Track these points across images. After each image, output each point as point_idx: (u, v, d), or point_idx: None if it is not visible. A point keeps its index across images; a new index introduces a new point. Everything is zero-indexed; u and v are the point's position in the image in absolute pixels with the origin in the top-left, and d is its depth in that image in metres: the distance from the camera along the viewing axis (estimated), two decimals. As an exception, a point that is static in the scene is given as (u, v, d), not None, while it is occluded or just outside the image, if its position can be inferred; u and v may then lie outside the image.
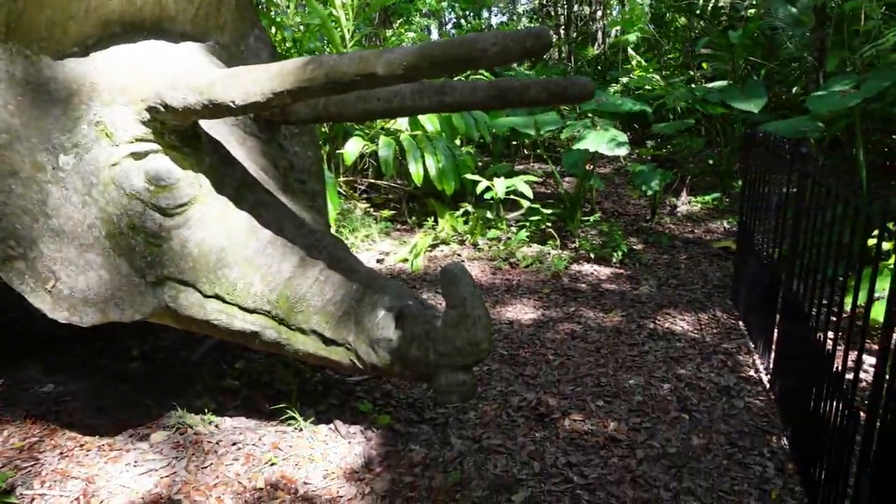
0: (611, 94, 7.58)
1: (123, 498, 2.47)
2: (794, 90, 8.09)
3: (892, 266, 3.47)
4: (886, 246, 3.65)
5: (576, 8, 15.25)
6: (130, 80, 2.37)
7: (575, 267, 5.32)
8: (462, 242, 5.90)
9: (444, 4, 13.02)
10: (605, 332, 4.08)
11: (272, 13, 7.37)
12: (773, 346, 3.41)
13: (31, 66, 2.40)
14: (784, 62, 8.01)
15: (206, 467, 2.66)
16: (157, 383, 3.26)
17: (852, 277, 2.98)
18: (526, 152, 9.59)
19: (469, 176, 6.08)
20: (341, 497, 2.52)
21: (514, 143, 9.29)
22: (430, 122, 6.15)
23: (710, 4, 9.60)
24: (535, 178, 6.36)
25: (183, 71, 2.29)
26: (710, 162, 8.00)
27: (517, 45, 1.87)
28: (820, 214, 2.64)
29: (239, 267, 2.50)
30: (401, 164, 6.44)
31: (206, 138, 2.60)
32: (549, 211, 6.05)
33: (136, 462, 2.67)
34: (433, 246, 5.80)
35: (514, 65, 12.09)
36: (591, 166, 6.48)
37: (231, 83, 2.18)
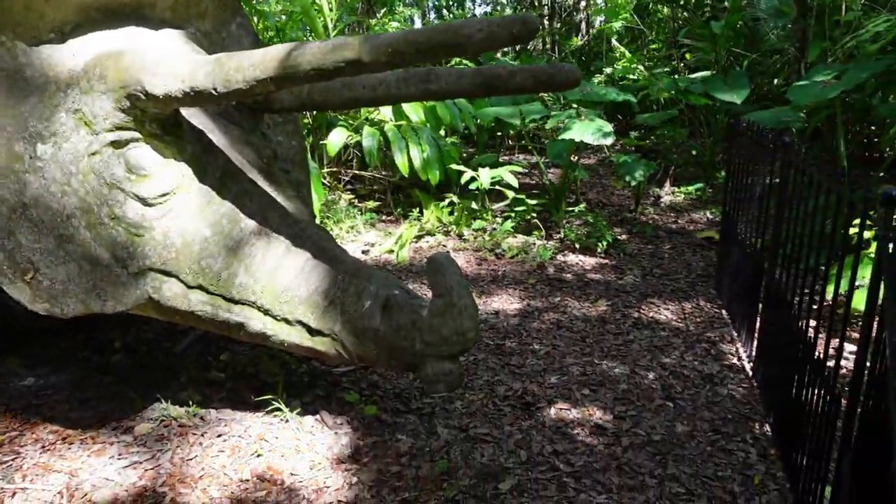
0: (595, 84, 7.59)
1: (107, 491, 2.44)
2: (775, 81, 8.16)
3: (873, 255, 3.52)
4: (868, 234, 3.70)
5: (559, -2, 15.22)
6: (109, 68, 2.32)
7: (560, 257, 5.33)
8: (447, 233, 5.89)
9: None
10: (591, 322, 4.10)
11: (254, 1, 7.27)
12: (756, 335, 3.45)
13: (6, 53, 2.35)
14: (766, 53, 8.07)
15: (191, 459, 2.64)
16: (140, 376, 3.22)
17: (834, 266, 3.02)
18: (510, 143, 9.58)
19: (454, 166, 6.06)
20: (328, 487, 2.51)
21: (499, 133, 9.27)
22: (414, 112, 6.11)
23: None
24: (520, 169, 6.36)
25: (163, 58, 2.25)
26: (694, 152, 8.06)
27: (504, 32, 1.85)
28: (802, 204, 2.67)
29: (223, 257, 2.47)
30: (385, 154, 6.40)
31: (188, 127, 2.56)
32: (534, 201, 6.05)
33: (119, 455, 2.64)
34: (418, 237, 5.78)
35: (499, 55, 12.06)
36: (576, 157, 6.49)
37: (213, 70, 2.14)
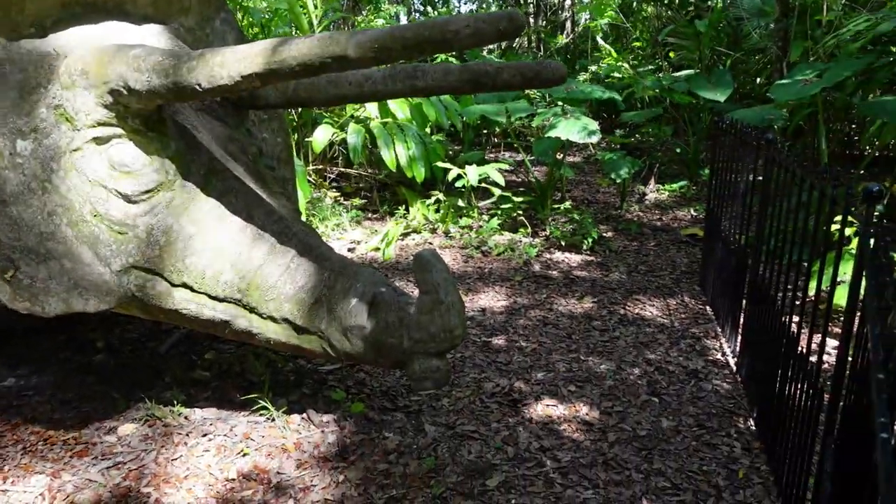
0: (580, 82, 7.61)
1: (90, 492, 2.42)
2: (758, 80, 8.25)
3: (854, 251, 3.56)
4: (849, 231, 3.75)
5: (545, -4, 15.26)
6: (91, 63, 2.29)
7: (546, 254, 5.35)
8: (434, 231, 5.89)
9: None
10: (577, 319, 4.12)
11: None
12: (740, 330, 3.48)
13: (-16, 48, 2.31)
14: (749, 52, 8.15)
15: (176, 459, 2.61)
16: (123, 376, 3.19)
17: (816, 262, 3.06)
18: (496, 140, 9.59)
19: (440, 164, 6.06)
20: (315, 486, 2.50)
21: (485, 131, 9.28)
22: (400, 109, 6.09)
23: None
24: (506, 167, 6.37)
25: (146, 53, 2.22)
26: (678, 150, 8.12)
27: (490, 28, 1.85)
28: (785, 200, 2.70)
29: (207, 255, 2.44)
30: (371, 152, 6.38)
31: (172, 123, 2.53)
32: (520, 199, 6.07)
33: (103, 455, 2.61)
34: (405, 234, 5.78)
35: (484, 52, 12.07)
36: (562, 155, 6.52)
37: (197, 65, 2.12)
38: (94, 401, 2.97)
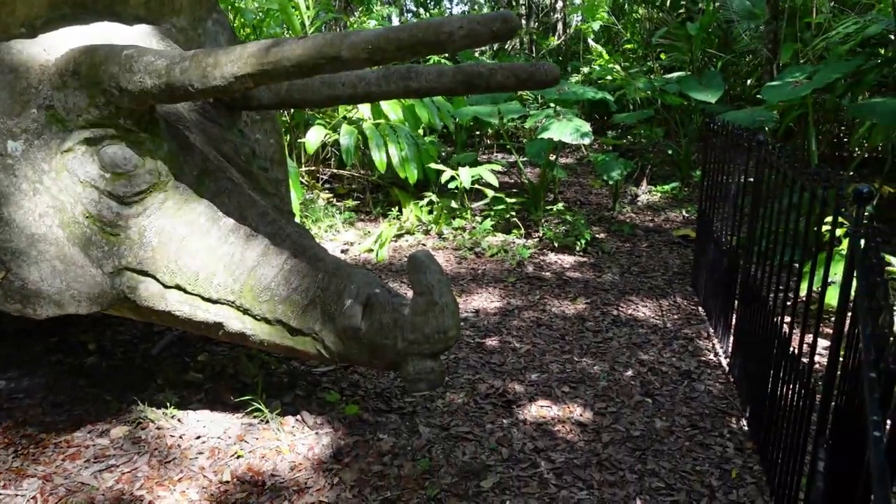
0: (573, 83, 7.64)
1: (83, 495, 2.40)
2: (749, 81, 8.30)
3: (844, 252, 3.59)
4: (840, 231, 3.78)
5: (536, -2, 15.30)
6: (83, 63, 2.27)
7: (539, 256, 5.36)
8: (427, 232, 5.89)
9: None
10: (570, 320, 4.13)
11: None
12: (732, 331, 3.50)
13: (-26, 48, 2.29)
14: (739, 54, 8.20)
15: (169, 462, 2.60)
16: (116, 378, 3.17)
17: (808, 263, 3.08)
18: (489, 142, 9.60)
19: (433, 165, 6.06)
20: (309, 488, 2.49)
21: (478, 132, 9.29)
22: (392, 110, 6.09)
23: (669, -4, 9.75)
24: (499, 168, 6.38)
25: (138, 53, 2.21)
26: (670, 152, 8.16)
27: (484, 29, 1.86)
28: (777, 201, 2.72)
29: (200, 256, 2.43)
30: (364, 153, 6.37)
31: (164, 124, 2.52)
32: (513, 200, 6.08)
33: (95, 458, 2.60)
34: (398, 236, 5.77)
35: (476, 53, 12.08)
36: (555, 156, 6.53)
37: (190, 66, 2.11)
38: (87, 403, 2.95)
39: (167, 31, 2.77)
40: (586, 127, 5.69)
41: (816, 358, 3.41)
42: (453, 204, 6.12)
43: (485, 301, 4.41)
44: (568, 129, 5.62)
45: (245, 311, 2.47)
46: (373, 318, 2.40)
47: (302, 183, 6.09)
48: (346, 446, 2.74)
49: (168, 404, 2.92)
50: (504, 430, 2.91)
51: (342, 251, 5.41)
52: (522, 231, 5.85)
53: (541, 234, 5.76)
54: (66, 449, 2.65)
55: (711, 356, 3.65)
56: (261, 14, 6.96)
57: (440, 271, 2.36)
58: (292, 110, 6.27)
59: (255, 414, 2.88)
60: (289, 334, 2.50)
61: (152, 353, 3.43)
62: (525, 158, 7.24)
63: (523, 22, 15.08)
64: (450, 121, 6.62)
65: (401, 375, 2.44)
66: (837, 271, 3.24)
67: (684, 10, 9.44)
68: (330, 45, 1.94)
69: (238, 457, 2.64)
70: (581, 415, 3.04)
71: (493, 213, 6.03)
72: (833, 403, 1.97)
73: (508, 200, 6.03)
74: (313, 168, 6.66)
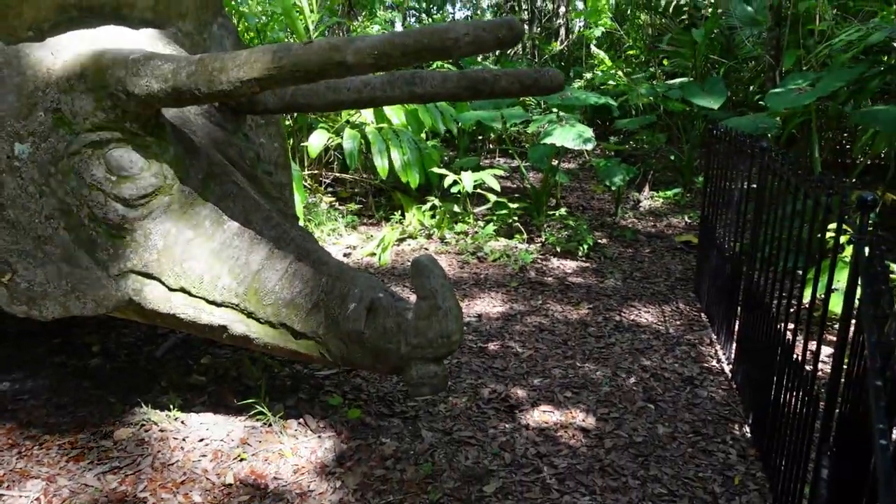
0: (575, 89, 7.66)
1: (86, 497, 2.40)
2: (751, 88, 8.31)
3: (847, 258, 3.59)
4: (843, 238, 3.78)
5: (539, 3, 15.35)
6: (90, 67, 2.29)
7: (541, 261, 5.37)
8: (429, 236, 5.90)
9: (410, -4, 12.94)
10: (572, 325, 4.13)
11: (234, 2, 7.22)
12: (735, 337, 3.50)
13: (-17, 51, 2.30)
14: (742, 60, 8.22)
15: (172, 464, 2.60)
16: (119, 380, 3.18)
17: (811, 269, 3.08)
18: (491, 146, 9.62)
19: (436, 169, 6.07)
20: (312, 491, 2.50)
21: (480, 137, 9.31)
22: (395, 115, 6.11)
23: (673, 3, 9.78)
24: (502, 172, 6.39)
25: (145, 57, 2.22)
26: (672, 157, 8.16)
27: (490, 36, 1.86)
28: (780, 208, 2.72)
29: (205, 259, 2.44)
30: (366, 157, 6.38)
31: (170, 127, 2.53)
32: (515, 205, 6.08)
33: (99, 460, 2.60)
34: (400, 240, 5.78)
35: (479, 59, 12.09)
36: (557, 161, 6.54)
37: (196, 70, 2.12)
38: (90, 405, 2.96)
39: (173, 35, 2.78)
40: (589, 132, 5.70)
41: (819, 365, 3.40)
42: (456, 208, 6.13)
43: (487, 306, 4.42)
44: (570, 135, 5.63)
45: (249, 315, 2.47)
46: (376, 323, 2.40)
47: (305, 186, 6.10)
48: (348, 450, 2.75)
49: (171, 407, 2.93)
50: (506, 434, 2.91)
51: (345, 255, 5.42)
52: (525, 236, 5.85)
53: (543, 239, 5.77)
54: (70, 450, 2.65)
55: (714, 362, 3.65)
56: (265, 16, 6.98)
57: (444, 276, 2.37)
58: (295, 114, 6.28)
59: (258, 417, 2.89)
60: (292, 338, 2.50)
61: (156, 356, 3.43)
62: (527, 163, 7.26)
63: (526, 27, 15.12)
64: (452, 125, 6.63)
65: (404, 380, 2.45)
66: (841, 278, 3.24)
67: (687, 16, 9.47)
68: (336, 51, 1.95)
69: (241, 460, 2.65)
70: (584, 420, 3.04)
71: (495, 217, 6.04)
72: (837, 411, 1.97)
73: (511, 205, 6.04)
74: (316, 172, 6.67)
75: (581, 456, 2.77)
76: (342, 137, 5.84)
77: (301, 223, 5.20)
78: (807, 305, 2.43)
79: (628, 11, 11.11)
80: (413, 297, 2.46)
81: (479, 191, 6.06)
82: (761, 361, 2.83)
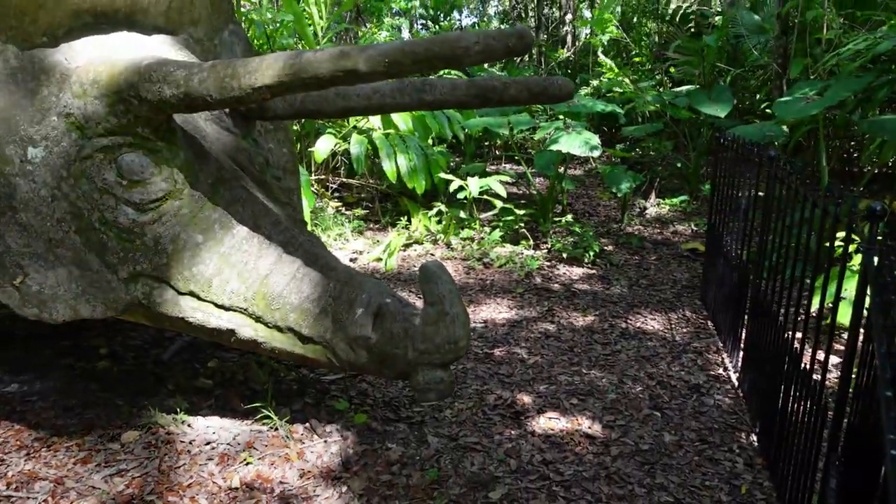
0: (582, 96, 7.67)
1: (94, 499, 2.41)
2: (758, 96, 8.31)
3: (856, 267, 3.58)
4: (851, 247, 3.77)
5: (546, 11, 15.39)
6: (103, 72, 2.31)
7: (548, 267, 5.37)
8: (435, 242, 5.90)
9: (416, 3, 12.98)
10: (578, 332, 4.13)
11: (244, 8, 7.27)
12: (742, 345, 3.49)
13: (-2, 56, 2.33)
14: (749, 69, 8.21)
15: (179, 467, 2.61)
16: (127, 383, 3.19)
17: (819, 278, 3.07)
18: (498, 153, 9.63)
19: (442, 175, 6.09)
20: (318, 496, 2.50)
21: (487, 143, 9.32)
22: (402, 120, 6.13)
23: (680, 12, 9.79)
24: (508, 179, 6.40)
25: (158, 63, 2.24)
26: (678, 165, 8.16)
27: (500, 45, 1.88)
28: (787, 216, 2.72)
29: (214, 263, 2.46)
30: (373, 162, 6.41)
31: (181, 132, 2.55)
32: (521, 211, 6.09)
33: (106, 462, 2.61)
34: (406, 245, 5.79)
35: (485, 65, 12.13)
36: (563, 168, 6.55)
37: (208, 77, 2.14)
38: (98, 407, 2.97)
39: (185, 42, 2.80)
40: (595, 139, 5.71)
41: (827, 374, 3.39)
42: (462, 214, 6.14)
43: (493, 312, 4.42)
44: (577, 142, 5.64)
45: (257, 319, 2.49)
46: (383, 328, 2.41)
47: (312, 191, 6.13)
48: (354, 455, 2.75)
49: (178, 410, 2.94)
50: (512, 441, 2.91)
51: (351, 260, 5.43)
52: (531, 242, 5.86)
53: (549, 246, 5.77)
54: (78, 453, 2.66)
55: (721, 371, 3.64)
56: (275, 23, 7.02)
57: (451, 282, 2.37)
58: (303, 120, 6.32)
59: (265, 421, 2.89)
60: (300, 342, 2.51)
61: (163, 359, 3.45)
62: (534, 170, 7.26)
63: (532, 34, 15.14)
64: (459, 131, 6.65)
65: (410, 385, 2.45)
66: (849, 287, 3.23)
67: (694, 24, 9.48)
68: (347, 58, 1.97)
69: (247, 463, 2.65)
70: (589, 427, 3.04)
71: (501, 223, 6.04)
72: (845, 421, 1.96)
73: (517, 211, 6.05)
74: (323, 177, 6.69)
75: (587, 463, 2.76)
76: (349, 143, 5.86)
77: (308, 228, 5.22)
78: (815, 314, 2.43)
79: (634, 19, 11.13)
80: (420, 302, 2.46)
81: (485, 197, 6.07)
82: (769, 370, 2.82)
